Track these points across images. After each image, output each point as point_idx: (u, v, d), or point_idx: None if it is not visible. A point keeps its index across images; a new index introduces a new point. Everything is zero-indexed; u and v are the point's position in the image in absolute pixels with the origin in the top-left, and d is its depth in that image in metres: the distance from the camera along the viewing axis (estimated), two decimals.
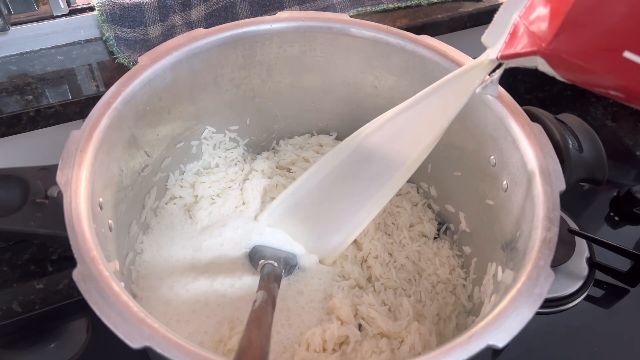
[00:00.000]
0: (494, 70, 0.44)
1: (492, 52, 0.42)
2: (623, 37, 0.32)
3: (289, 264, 0.55)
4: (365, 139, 0.52)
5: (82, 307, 0.60)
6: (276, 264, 0.52)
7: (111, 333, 0.34)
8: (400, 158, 0.51)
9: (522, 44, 0.37)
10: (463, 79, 0.46)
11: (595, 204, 0.77)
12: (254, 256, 0.55)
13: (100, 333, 0.59)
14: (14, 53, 0.65)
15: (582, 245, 0.68)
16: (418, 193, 0.66)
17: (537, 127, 0.47)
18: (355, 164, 0.53)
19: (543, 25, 0.35)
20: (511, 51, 0.39)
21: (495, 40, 0.41)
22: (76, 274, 0.36)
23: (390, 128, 0.50)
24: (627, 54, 0.32)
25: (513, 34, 0.39)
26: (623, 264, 0.68)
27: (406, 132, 0.49)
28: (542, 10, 0.35)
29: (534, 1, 0.37)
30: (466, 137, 0.55)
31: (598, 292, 0.66)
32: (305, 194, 0.56)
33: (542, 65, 0.36)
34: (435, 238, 0.63)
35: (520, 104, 0.49)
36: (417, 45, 0.54)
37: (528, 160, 0.46)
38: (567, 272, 0.66)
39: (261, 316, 0.41)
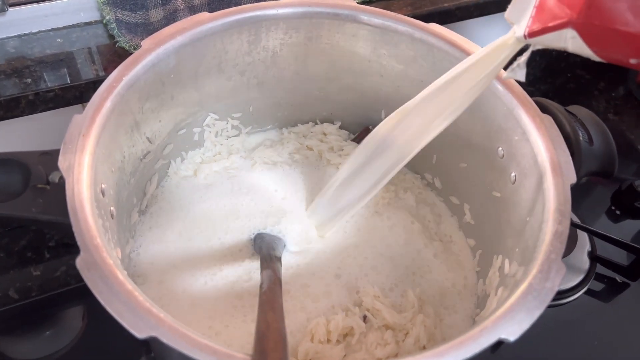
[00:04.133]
0: (519, 53, 0.41)
1: (519, 30, 0.38)
2: None
3: (283, 246, 0.56)
4: (389, 130, 0.50)
5: (79, 295, 0.61)
6: (275, 245, 0.52)
7: (107, 321, 0.33)
8: (411, 146, 0.50)
9: (551, 17, 0.34)
10: (487, 60, 0.43)
11: (596, 197, 0.77)
12: (256, 242, 0.55)
13: (96, 321, 0.59)
14: (13, 35, 0.64)
15: (583, 239, 0.68)
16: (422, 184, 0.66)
17: (548, 118, 0.47)
18: (374, 153, 0.52)
19: None
20: (540, 27, 0.36)
21: (520, 16, 0.38)
22: (79, 262, 0.35)
23: (412, 117, 0.49)
24: None
25: (539, 7, 0.36)
26: (624, 258, 0.68)
27: (423, 119, 0.48)
28: None
29: None
30: (474, 128, 0.54)
31: (599, 286, 0.66)
32: (337, 185, 0.56)
33: (574, 43, 0.34)
34: None
35: None
36: (426, 33, 0.53)
37: (538, 152, 0.45)
38: (568, 266, 0.64)
39: (272, 298, 0.41)
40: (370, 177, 0.53)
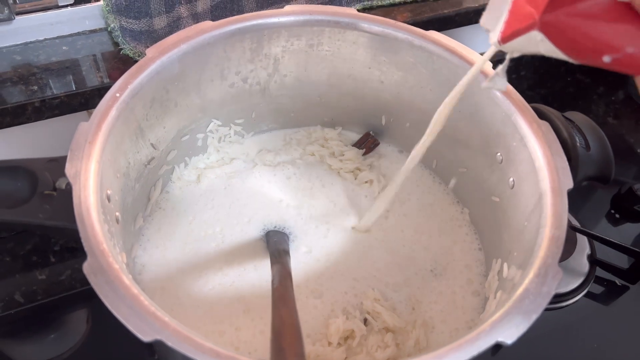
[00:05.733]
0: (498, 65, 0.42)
1: (493, 36, 0.38)
2: None
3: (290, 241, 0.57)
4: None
5: (83, 298, 0.61)
6: (282, 239, 0.53)
7: (111, 324, 0.34)
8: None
9: (520, 19, 0.34)
10: (472, 73, 0.44)
11: (596, 201, 0.78)
12: (267, 239, 0.56)
13: (100, 324, 0.59)
14: (19, 43, 0.65)
15: (583, 242, 0.69)
16: None
17: (545, 124, 0.47)
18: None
19: None
20: (511, 30, 0.36)
21: (495, 23, 0.38)
22: (86, 267, 0.36)
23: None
24: None
25: (512, 11, 0.36)
26: (624, 261, 0.68)
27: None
28: None
29: None
30: (473, 134, 0.55)
31: (598, 289, 0.67)
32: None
33: (544, 45, 0.33)
34: None
35: None
36: (425, 40, 0.54)
37: (536, 157, 0.46)
38: (568, 269, 0.66)
39: (284, 293, 0.42)
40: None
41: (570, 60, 0.34)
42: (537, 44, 0.34)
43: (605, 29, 0.31)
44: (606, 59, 0.31)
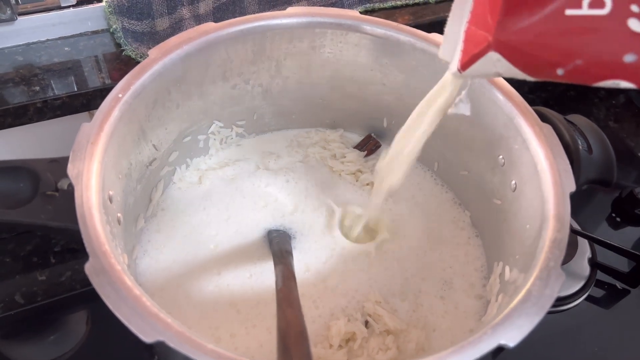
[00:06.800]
0: None
1: (453, 66, 0.40)
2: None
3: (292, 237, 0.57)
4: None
5: (83, 300, 0.61)
6: (285, 239, 0.53)
7: (111, 326, 0.34)
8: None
9: (474, 44, 0.36)
10: (435, 101, 0.45)
11: (597, 204, 0.78)
12: (270, 240, 0.56)
13: (100, 326, 0.59)
14: (21, 43, 0.65)
15: (584, 246, 0.69)
16: None
17: (547, 127, 0.48)
18: None
19: (487, 18, 0.33)
20: (468, 57, 0.37)
21: (453, 53, 0.40)
22: (88, 268, 0.36)
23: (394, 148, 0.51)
24: (569, 11, 0.30)
25: (466, 39, 0.37)
26: (624, 265, 0.68)
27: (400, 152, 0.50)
28: (484, 5, 0.34)
29: (475, 2, 0.36)
30: (475, 137, 0.55)
31: (599, 293, 0.66)
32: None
33: (501, 65, 0.34)
34: None
35: None
36: (427, 43, 0.54)
37: (538, 160, 0.46)
38: (569, 272, 0.66)
39: (288, 294, 0.42)
40: None
41: (528, 78, 0.35)
42: (494, 64, 0.35)
43: (555, 43, 0.32)
44: (559, 71, 0.33)
